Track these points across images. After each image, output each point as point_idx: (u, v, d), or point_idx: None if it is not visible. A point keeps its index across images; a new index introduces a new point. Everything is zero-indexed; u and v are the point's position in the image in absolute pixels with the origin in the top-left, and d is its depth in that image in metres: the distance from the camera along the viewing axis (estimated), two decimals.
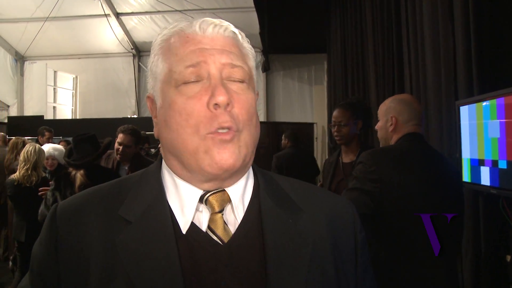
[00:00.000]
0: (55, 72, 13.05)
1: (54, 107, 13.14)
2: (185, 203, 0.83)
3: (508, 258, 2.34)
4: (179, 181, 0.85)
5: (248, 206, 0.86)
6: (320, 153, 10.78)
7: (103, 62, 13.27)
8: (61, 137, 7.98)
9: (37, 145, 4.61)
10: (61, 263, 0.79)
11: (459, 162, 2.53)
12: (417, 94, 3.42)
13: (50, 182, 3.53)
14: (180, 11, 11.34)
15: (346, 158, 3.19)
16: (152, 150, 5.79)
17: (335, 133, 3.13)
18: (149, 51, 0.88)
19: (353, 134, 3.12)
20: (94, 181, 3.25)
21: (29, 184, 4.28)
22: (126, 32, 12.53)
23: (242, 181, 0.87)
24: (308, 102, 11.75)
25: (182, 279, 0.75)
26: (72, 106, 13.66)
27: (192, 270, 0.78)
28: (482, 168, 2.29)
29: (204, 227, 0.82)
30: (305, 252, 0.83)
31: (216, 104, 0.78)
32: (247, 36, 0.91)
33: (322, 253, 0.85)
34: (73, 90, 13.60)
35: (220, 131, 0.78)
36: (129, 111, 13.13)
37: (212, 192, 0.83)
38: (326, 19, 8.27)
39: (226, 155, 0.78)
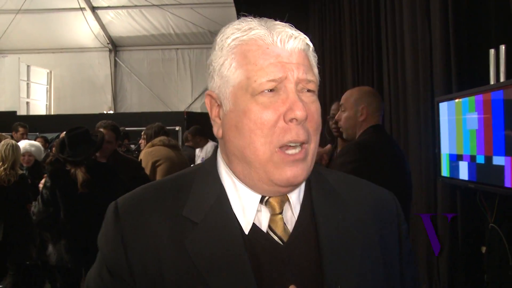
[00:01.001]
0: (28, 66, 12.74)
1: (27, 103, 12.84)
2: (245, 204, 0.86)
3: (483, 249, 2.42)
4: (239, 184, 0.87)
5: (301, 203, 0.89)
6: None
7: (78, 57, 13.02)
8: (37, 133, 7.81)
9: (13, 142, 4.49)
10: (133, 259, 0.83)
11: (438, 157, 2.61)
12: (396, 91, 3.49)
13: (42, 181, 3.44)
14: (157, 5, 11.22)
15: None
16: (132, 146, 5.73)
17: (333, 125, 3.16)
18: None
19: None
20: (95, 177, 3.23)
21: (6, 184, 4.17)
22: (102, 27, 12.33)
23: None
24: None
25: (254, 279, 0.79)
26: (47, 102, 13.38)
27: (256, 270, 0.81)
28: (460, 163, 2.36)
29: (264, 228, 0.85)
30: (355, 249, 0.86)
31: (293, 118, 0.80)
32: None
33: (371, 246, 0.88)
34: (47, 85, 13.32)
35: (292, 144, 0.81)
36: (105, 107, 12.93)
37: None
38: (304, 15, 8.32)
39: (298, 173, 0.82)
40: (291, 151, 0.81)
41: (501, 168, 1.98)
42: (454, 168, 2.43)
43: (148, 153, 4.25)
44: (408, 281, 0.95)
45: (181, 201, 0.86)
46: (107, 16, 12.06)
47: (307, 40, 0.87)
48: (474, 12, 2.49)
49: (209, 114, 0.91)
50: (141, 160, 4.23)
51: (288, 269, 0.83)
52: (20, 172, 4.36)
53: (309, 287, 0.83)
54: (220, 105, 0.88)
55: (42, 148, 5.36)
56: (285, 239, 0.84)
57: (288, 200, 0.87)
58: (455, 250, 2.68)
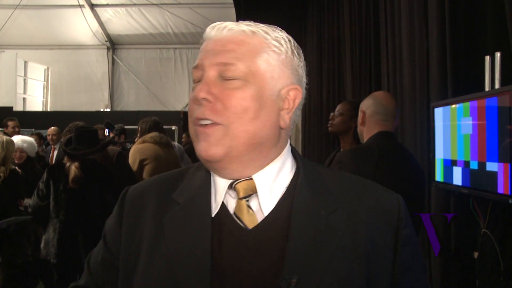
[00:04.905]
0: (25, 62, 12.72)
1: (24, 99, 12.82)
2: (217, 188, 0.91)
3: (476, 254, 2.43)
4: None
5: (283, 195, 0.89)
6: None
7: (76, 53, 13.01)
8: (33, 129, 7.78)
9: (6, 137, 4.43)
10: (123, 236, 0.94)
11: (432, 162, 2.61)
12: (394, 95, 3.50)
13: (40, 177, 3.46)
14: (156, 4, 11.22)
15: None
16: (128, 144, 5.70)
17: (329, 121, 3.20)
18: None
19: (345, 126, 3.15)
20: (87, 175, 3.26)
21: None
22: (101, 24, 12.32)
23: (271, 169, 0.89)
24: None
25: (210, 257, 0.84)
26: (43, 98, 13.36)
27: (219, 250, 0.86)
28: (454, 168, 2.37)
29: (231, 212, 0.89)
30: (329, 245, 0.84)
31: (196, 99, 0.86)
32: None
33: (351, 248, 0.85)
34: (44, 81, 13.30)
35: (202, 122, 0.85)
36: (102, 105, 12.92)
37: (241, 180, 0.89)
38: (303, 16, 8.34)
39: (205, 146, 0.85)
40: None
41: (494, 174, 1.99)
42: (448, 173, 2.44)
43: (137, 150, 4.21)
44: None
45: (175, 186, 0.95)
46: (105, 14, 12.06)
47: (233, 26, 0.88)
48: (471, 20, 2.51)
49: None
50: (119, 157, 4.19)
51: (250, 255, 0.84)
52: (12, 167, 4.28)
53: (268, 274, 0.83)
54: None
55: (35, 144, 5.31)
56: (249, 226, 0.86)
57: (255, 187, 0.88)
58: (448, 255, 2.69)
